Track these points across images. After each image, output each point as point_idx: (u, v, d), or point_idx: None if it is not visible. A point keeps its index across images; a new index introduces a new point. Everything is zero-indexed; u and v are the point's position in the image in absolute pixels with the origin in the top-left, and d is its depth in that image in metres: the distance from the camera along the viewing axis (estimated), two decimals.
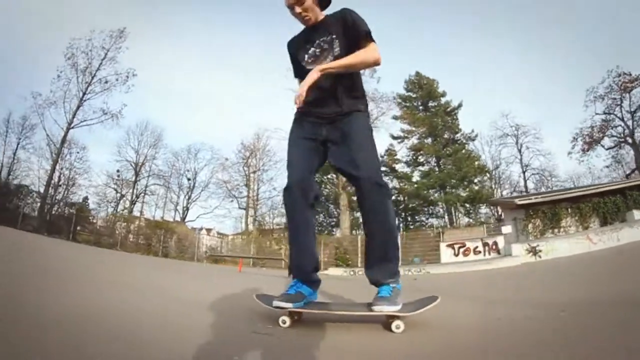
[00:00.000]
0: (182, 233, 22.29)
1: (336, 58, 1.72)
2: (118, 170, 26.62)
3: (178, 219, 27.51)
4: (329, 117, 1.76)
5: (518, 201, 15.70)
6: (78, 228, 20.85)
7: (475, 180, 26.08)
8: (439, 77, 28.28)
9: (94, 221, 22.18)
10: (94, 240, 20.42)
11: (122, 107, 23.58)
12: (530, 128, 26.96)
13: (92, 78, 22.68)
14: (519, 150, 27.45)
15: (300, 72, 1.87)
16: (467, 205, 25.76)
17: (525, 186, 27.56)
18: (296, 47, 1.89)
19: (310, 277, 1.78)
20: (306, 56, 1.82)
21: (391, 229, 1.70)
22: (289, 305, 1.63)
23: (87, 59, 22.66)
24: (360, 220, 1.92)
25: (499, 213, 27.52)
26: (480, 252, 15.41)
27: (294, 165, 1.76)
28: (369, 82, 23.65)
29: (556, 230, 14.30)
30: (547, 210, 14.63)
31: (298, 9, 1.72)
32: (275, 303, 1.64)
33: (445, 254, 16.16)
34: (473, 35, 38.50)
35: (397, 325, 1.57)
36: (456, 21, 39.05)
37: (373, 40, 1.72)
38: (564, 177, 27.67)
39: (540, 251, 12.37)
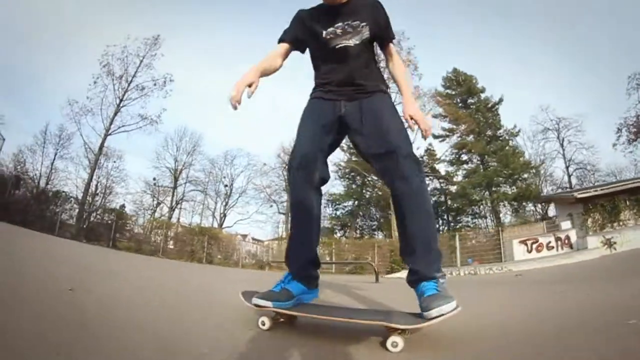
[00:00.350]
0: (226, 239, 21.27)
1: (362, 41, 1.62)
2: (154, 178, 25.97)
3: (215, 225, 26.69)
4: (349, 94, 1.62)
5: (578, 195, 15.51)
6: (117, 235, 19.99)
7: (522, 177, 25.05)
8: (471, 71, 27.59)
9: (133, 227, 21.18)
10: (135, 248, 19.38)
11: (161, 112, 22.86)
12: (572, 121, 25.95)
13: (129, 85, 22.02)
14: (561, 145, 26.49)
15: (307, 42, 1.74)
16: (515, 203, 24.73)
17: (569, 181, 26.50)
18: (310, 19, 1.69)
19: (305, 271, 1.58)
20: (324, 32, 1.64)
21: (431, 210, 1.51)
22: (268, 303, 1.45)
23: (123, 65, 22.06)
24: None
25: (545, 210, 26.68)
26: (553, 247, 14.82)
27: (299, 142, 1.60)
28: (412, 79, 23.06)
29: (615, 224, 13.97)
30: (606, 204, 14.38)
31: None
32: (254, 300, 1.48)
33: (518, 250, 15.52)
34: (503, 26, 37.35)
35: (394, 343, 1.24)
36: (485, 13, 37.97)
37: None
38: (605, 170, 26.66)
39: (615, 243, 12.00)
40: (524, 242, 15.58)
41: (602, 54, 32.29)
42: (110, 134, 21.39)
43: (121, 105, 21.67)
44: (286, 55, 1.74)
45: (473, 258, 18.46)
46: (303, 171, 1.52)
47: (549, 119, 26.41)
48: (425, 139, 1.60)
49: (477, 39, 38.06)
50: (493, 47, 37.75)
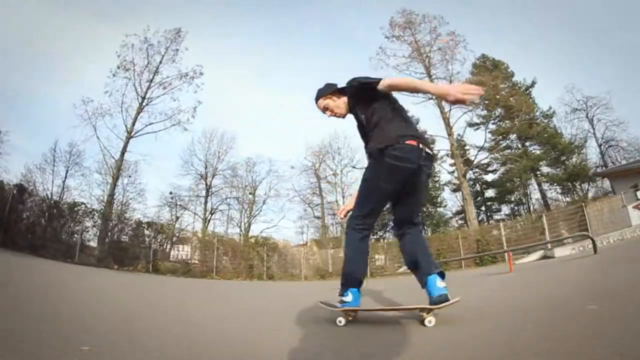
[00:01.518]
0: (284, 248, 17.98)
1: (363, 123, 1.99)
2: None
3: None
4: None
5: None
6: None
7: (570, 157, 24.58)
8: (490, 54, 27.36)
9: (173, 245, 17.16)
10: (184, 270, 15.42)
11: (196, 105, 19.57)
12: (600, 99, 26.22)
13: (150, 82, 18.60)
14: (591, 123, 26.59)
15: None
16: (567, 184, 24.09)
17: (603, 160, 26.61)
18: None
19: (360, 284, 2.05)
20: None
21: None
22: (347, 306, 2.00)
23: (144, 58, 18.74)
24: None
25: (586, 190, 26.43)
26: None
27: None
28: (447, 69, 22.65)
29: None
30: None
31: (328, 113, 2.11)
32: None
33: (633, 215, 15.74)
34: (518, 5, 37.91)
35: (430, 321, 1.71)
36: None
37: (378, 81, 1.89)
38: (631, 148, 27.11)
39: None
40: (637, 207, 15.52)
41: (620, 27, 32.75)
42: (133, 137, 17.55)
43: (144, 104, 18.05)
44: None
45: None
46: None
47: (575, 99, 26.68)
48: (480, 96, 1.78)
49: (485, 25, 38.38)
50: (504, 30, 37.95)
